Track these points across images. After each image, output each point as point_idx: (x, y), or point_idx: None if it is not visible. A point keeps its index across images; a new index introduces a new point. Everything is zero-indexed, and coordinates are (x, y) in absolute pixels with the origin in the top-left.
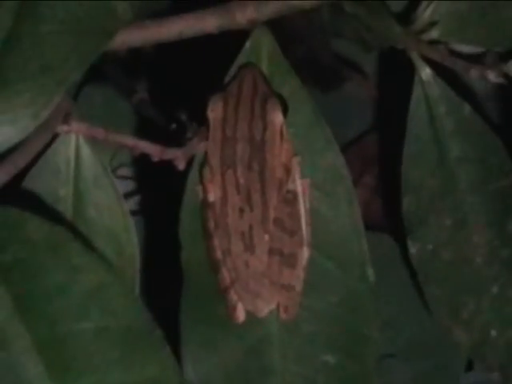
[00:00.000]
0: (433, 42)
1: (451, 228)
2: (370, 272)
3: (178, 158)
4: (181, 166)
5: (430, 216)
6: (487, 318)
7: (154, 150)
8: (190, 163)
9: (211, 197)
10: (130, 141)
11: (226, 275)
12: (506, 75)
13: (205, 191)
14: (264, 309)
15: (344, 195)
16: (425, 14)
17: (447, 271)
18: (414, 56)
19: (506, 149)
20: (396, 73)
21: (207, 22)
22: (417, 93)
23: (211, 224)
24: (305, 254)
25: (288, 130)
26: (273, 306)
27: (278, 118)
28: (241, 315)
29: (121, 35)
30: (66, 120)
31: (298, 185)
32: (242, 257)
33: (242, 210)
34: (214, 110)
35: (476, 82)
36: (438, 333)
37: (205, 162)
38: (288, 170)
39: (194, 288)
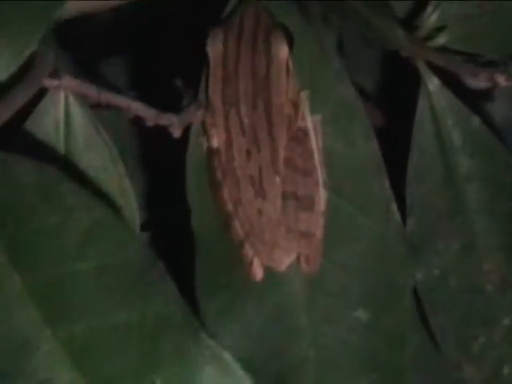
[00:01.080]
0: (440, 49)
1: (459, 252)
2: (395, 211)
3: (173, 124)
4: (176, 133)
5: (437, 238)
6: (500, 353)
7: (148, 114)
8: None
9: (215, 142)
10: (124, 102)
11: (238, 228)
12: None
13: (207, 137)
14: (283, 261)
15: (360, 129)
16: (431, 18)
17: (455, 299)
18: (420, 64)
19: None
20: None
21: None
22: (422, 104)
23: (218, 174)
24: (322, 195)
25: (294, 65)
26: (293, 258)
27: (283, 51)
28: (258, 272)
29: None
30: (55, 74)
31: (309, 121)
32: (254, 204)
33: (248, 152)
34: (214, 46)
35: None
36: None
37: (206, 104)
38: (296, 107)
39: (208, 253)
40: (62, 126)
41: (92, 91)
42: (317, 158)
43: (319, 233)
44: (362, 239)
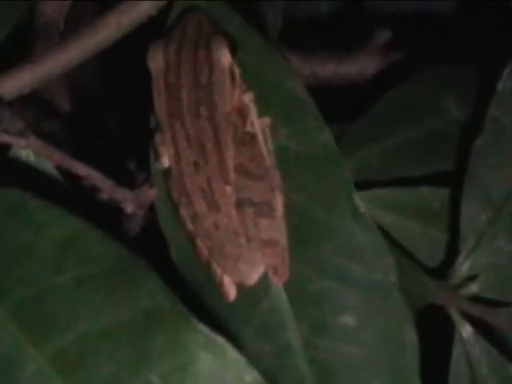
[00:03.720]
0: (472, 297)
1: None
2: (359, 202)
3: (126, 200)
4: (129, 208)
5: None
6: None
7: (105, 185)
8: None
9: (165, 161)
10: (85, 170)
11: (201, 246)
12: None
13: (159, 155)
14: (251, 274)
15: (312, 124)
16: (462, 267)
17: None
18: (453, 312)
19: None
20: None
21: (142, 7)
22: (457, 351)
23: (175, 194)
24: (278, 199)
25: (239, 70)
26: (261, 270)
27: (225, 56)
28: (231, 291)
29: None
30: (23, 134)
31: (256, 125)
32: (209, 218)
33: (196, 165)
34: (154, 58)
35: None
36: None
37: (155, 122)
38: (243, 113)
39: (191, 281)
40: None
41: (57, 155)
42: (268, 161)
43: (283, 240)
44: (331, 238)
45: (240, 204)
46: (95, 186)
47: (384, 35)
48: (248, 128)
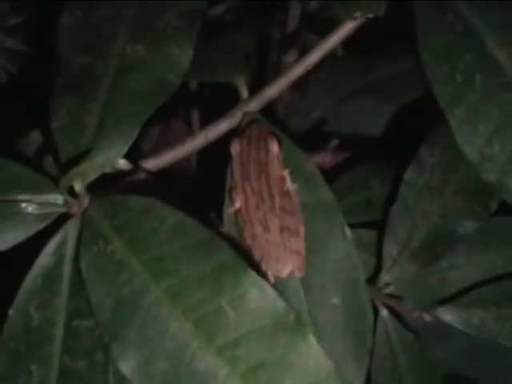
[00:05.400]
0: (389, 295)
1: None
2: (348, 233)
3: None
4: None
5: None
6: None
7: None
8: None
9: (238, 204)
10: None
11: (256, 254)
12: (435, 316)
13: (233, 202)
14: (284, 270)
15: (320, 189)
16: (383, 278)
17: None
18: (378, 303)
19: None
20: None
21: (221, 128)
22: (380, 325)
23: (241, 223)
24: (302, 228)
25: (282, 156)
26: (289, 269)
27: (275, 147)
28: (271, 280)
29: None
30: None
31: (290, 187)
32: (263, 236)
33: (257, 206)
34: (234, 147)
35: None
36: None
37: (231, 182)
38: (283, 179)
39: None
40: None
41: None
42: (297, 207)
43: (303, 252)
44: (329, 251)
45: (281, 229)
46: None
47: (334, 142)
48: (286, 188)
